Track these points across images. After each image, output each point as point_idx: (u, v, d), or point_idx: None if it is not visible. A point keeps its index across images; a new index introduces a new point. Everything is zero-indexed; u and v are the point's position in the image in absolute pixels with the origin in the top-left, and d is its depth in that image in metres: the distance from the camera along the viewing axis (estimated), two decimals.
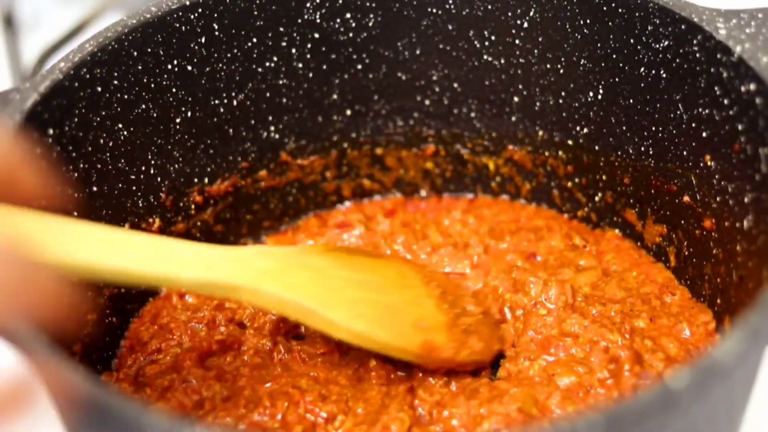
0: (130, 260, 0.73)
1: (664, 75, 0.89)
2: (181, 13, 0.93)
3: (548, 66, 0.99)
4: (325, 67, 1.02)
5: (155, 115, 0.95)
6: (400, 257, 1.00)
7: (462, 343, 0.87)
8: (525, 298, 0.94)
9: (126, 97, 0.91)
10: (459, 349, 0.87)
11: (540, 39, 0.98)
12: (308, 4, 0.99)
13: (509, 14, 0.98)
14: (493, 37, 1.00)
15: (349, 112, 1.06)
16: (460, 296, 0.94)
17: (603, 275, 0.97)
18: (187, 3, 0.93)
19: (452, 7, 0.99)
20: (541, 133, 1.04)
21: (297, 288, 0.82)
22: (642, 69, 0.91)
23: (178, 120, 0.97)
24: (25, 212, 0.68)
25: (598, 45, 0.94)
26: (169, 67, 0.94)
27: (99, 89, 0.88)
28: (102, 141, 0.90)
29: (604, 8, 0.92)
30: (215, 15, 0.95)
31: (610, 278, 0.96)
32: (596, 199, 1.03)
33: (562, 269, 0.97)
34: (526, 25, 0.98)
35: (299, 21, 0.99)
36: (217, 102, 0.99)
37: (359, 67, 1.03)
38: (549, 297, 0.93)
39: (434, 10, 1.00)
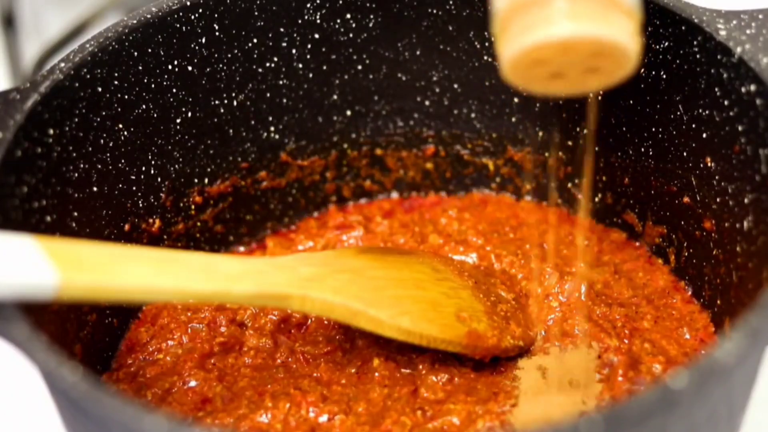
0: (184, 279, 0.75)
1: (665, 76, 0.89)
2: (181, 14, 0.93)
3: None
4: (325, 67, 1.02)
5: (155, 115, 0.95)
6: (429, 252, 1.01)
7: (503, 329, 0.89)
8: (539, 287, 0.95)
9: (126, 97, 0.91)
10: (502, 336, 0.88)
11: None
12: (308, 5, 0.99)
13: None
14: (493, 38, 1.00)
15: (349, 113, 1.06)
16: (492, 284, 0.95)
17: (614, 273, 0.97)
18: (188, 3, 0.93)
19: (452, 7, 0.99)
20: (541, 133, 1.04)
21: (342, 291, 0.83)
22: (642, 70, 0.91)
23: (178, 120, 0.97)
24: (80, 242, 0.72)
25: None
26: (170, 67, 0.94)
27: (99, 89, 0.88)
28: (102, 141, 0.89)
29: None
30: (215, 15, 0.95)
31: (620, 277, 0.96)
32: (596, 199, 1.03)
33: (575, 262, 0.98)
34: None
35: (299, 21, 0.99)
36: (217, 102, 0.99)
37: (359, 67, 1.03)
38: (563, 290, 0.94)
39: (434, 11, 1.00)
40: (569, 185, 1.05)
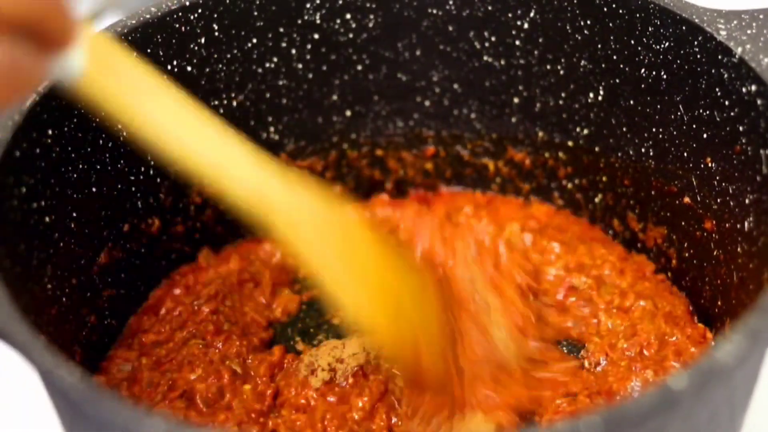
0: (196, 139, 0.71)
1: (665, 76, 0.89)
2: (180, 14, 0.93)
3: (548, 67, 0.99)
4: (325, 67, 1.02)
5: None
6: (437, 275, 0.95)
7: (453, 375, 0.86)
8: (587, 279, 0.97)
9: None
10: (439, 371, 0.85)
11: (540, 40, 0.98)
12: (308, 5, 0.98)
13: (509, 15, 0.98)
14: (493, 38, 1.00)
15: (348, 113, 1.06)
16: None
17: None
18: (187, 3, 0.93)
19: (452, 8, 0.99)
20: (541, 134, 1.03)
21: (328, 246, 0.78)
22: (642, 70, 0.91)
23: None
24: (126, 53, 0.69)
25: (599, 46, 0.94)
26: (169, 67, 0.94)
27: None
28: (101, 141, 0.89)
29: (605, 9, 0.92)
30: (215, 15, 0.95)
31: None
32: (596, 200, 1.03)
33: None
34: (526, 26, 0.97)
35: (299, 22, 0.99)
36: (216, 103, 0.99)
37: (359, 67, 1.03)
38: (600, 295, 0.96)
39: (434, 11, 1.00)
40: (569, 185, 1.05)
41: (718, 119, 0.84)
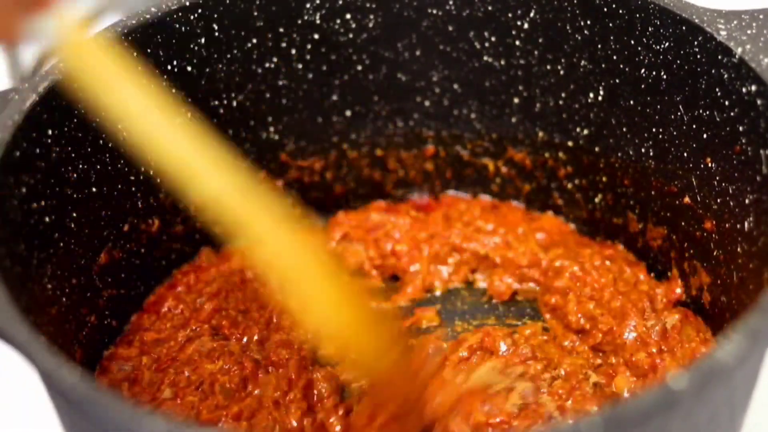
0: (164, 133, 0.71)
1: (665, 76, 0.89)
2: (180, 14, 0.93)
3: (548, 67, 0.99)
4: (324, 68, 1.02)
5: None
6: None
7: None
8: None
9: None
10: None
11: (540, 40, 0.98)
12: (308, 5, 0.98)
13: (509, 15, 0.98)
14: (493, 38, 1.00)
15: (348, 113, 1.05)
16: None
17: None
18: (187, 4, 0.93)
19: (452, 8, 0.99)
20: (541, 134, 1.03)
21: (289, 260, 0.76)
22: (642, 70, 0.91)
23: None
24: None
25: (599, 46, 0.94)
26: (169, 67, 0.94)
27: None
28: (101, 141, 0.89)
29: (605, 9, 0.92)
30: (215, 16, 0.95)
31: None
32: (596, 200, 1.03)
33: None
34: (526, 26, 0.97)
35: (299, 22, 0.99)
36: (216, 103, 0.99)
37: (359, 68, 1.03)
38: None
39: (434, 11, 1.00)
40: (569, 185, 1.05)
41: (718, 119, 0.84)
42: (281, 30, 0.99)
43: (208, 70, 0.97)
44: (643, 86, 0.92)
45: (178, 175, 0.72)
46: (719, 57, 0.82)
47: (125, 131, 0.70)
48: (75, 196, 0.87)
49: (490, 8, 0.98)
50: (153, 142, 0.71)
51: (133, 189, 0.95)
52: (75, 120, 0.86)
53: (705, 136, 0.87)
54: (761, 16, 0.83)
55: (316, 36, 1.00)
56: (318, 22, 0.99)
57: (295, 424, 0.86)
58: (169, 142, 0.71)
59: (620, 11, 0.91)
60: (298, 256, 0.76)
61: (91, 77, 0.69)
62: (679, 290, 0.95)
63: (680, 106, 0.89)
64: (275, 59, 1.00)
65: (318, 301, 0.78)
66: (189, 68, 0.95)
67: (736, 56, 0.80)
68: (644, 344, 0.89)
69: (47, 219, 0.82)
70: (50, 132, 0.83)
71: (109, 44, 0.71)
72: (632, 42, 0.91)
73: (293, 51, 1.00)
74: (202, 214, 0.75)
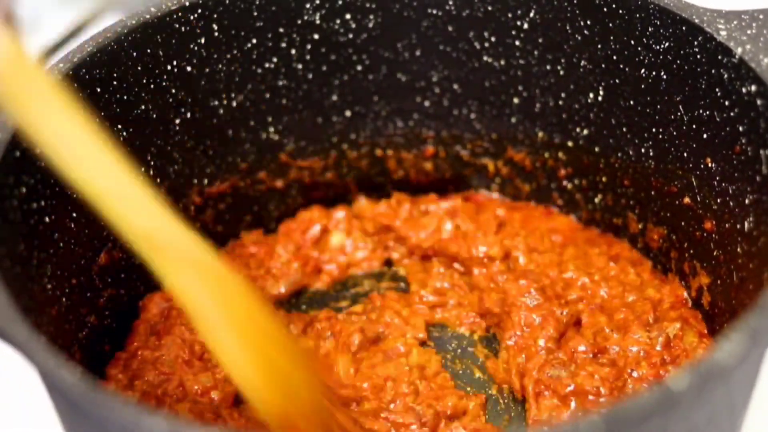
0: (92, 166, 0.69)
1: (665, 76, 0.89)
2: (180, 14, 0.93)
3: (548, 67, 0.99)
4: (324, 68, 1.02)
5: (154, 116, 0.95)
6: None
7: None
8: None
9: (125, 97, 0.91)
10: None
11: (540, 40, 0.98)
12: (308, 5, 0.98)
13: (509, 15, 0.98)
14: (493, 38, 1.00)
15: (348, 114, 1.05)
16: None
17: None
18: (187, 4, 0.93)
19: (452, 8, 0.99)
20: (541, 134, 1.03)
21: (209, 297, 0.75)
22: (642, 70, 0.91)
23: (177, 121, 0.97)
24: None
25: (599, 46, 0.94)
26: (169, 67, 0.94)
27: (98, 90, 0.88)
28: None
29: (605, 9, 0.92)
30: (215, 16, 0.95)
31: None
32: (596, 200, 1.03)
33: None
34: (526, 26, 0.97)
35: (299, 22, 0.99)
36: (216, 103, 0.99)
37: (359, 68, 1.03)
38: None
39: (434, 11, 1.00)
40: (569, 185, 1.05)
41: (718, 119, 0.84)
42: (281, 30, 0.99)
43: (207, 70, 0.97)
44: (643, 86, 0.92)
45: (104, 209, 0.70)
46: (719, 57, 0.82)
47: (55, 159, 0.68)
48: (74, 196, 0.87)
49: (489, 8, 0.98)
50: (79, 173, 0.69)
51: None
52: None
53: (705, 136, 0.87)
54: (761, 16, 0.83)
55: (316, 36, 1.00)
56: (318, 22, 0.99)
57: None
58: (94, 174, 0.69)
59: (620, 11, 0.91)
60: (218, 292, 0.74)
61: (21, 102, 0.67)
62: (685, 294, 0.95)
63: (680, 106, 0.89)
64: (275, 59, 1.00)
65: (231, 348, 0.75)
66: (189, 68, 0.95)
67: (736, 56, 0.80)
68: (648, 356, 0.89)
69: (47, 219, 0.82)
70: None
71: (46, 74, 0.70)
72: (632, 42, 0.91)
73: (293, 51, 1.00)
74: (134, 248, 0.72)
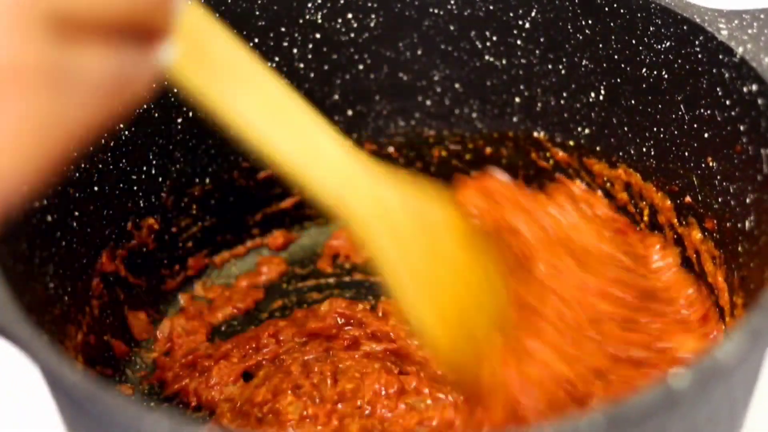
0: (282, 136, 0.65)
1: (666, 76, 0.89)
2: None
3: (550, 66, 0.99)
4: (326, 67, 1.02)
5: (156, 115, 0.95)
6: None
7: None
8: None
9: None
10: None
11: (541, 39, 0.98)
12: (309, 5, 0.98)
13: (511, 15, 0.98)
14: (494, 38, 1.00)
15: (350, 113, 1.06)
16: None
17: None
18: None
19: (454, 7, 0.99)
20: (542, 133, 1.04)
21: (404, 252, 0.71)
22: (643, 70, 0.91)
23: (179, 120, 0.97)
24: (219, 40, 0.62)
25: (600, 46, 0.94)
26: None
27: None
28: (102, 140, 0.89)
29: (606, 9, 0.92)
30: (216, 15, 0.95)
31: None
32: None
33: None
34: (527, 25, 0.98)
35: (300, 21, 0.99)
36: None
37: (360, 67, 1.03)
38: None
39: (436, 11, 1.00)
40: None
41: (719, 119, 0.84)
42: (282, 29, 0.99)
43: None
44: (644, 86, 0.92)
45: (294, 165, 0.65)
46: (720, 56, 0.82)
47: (232, 122, 0.63)
48: (76, 195, 0.87)
49: (491, 8, 0.98)
50: (271, 136, 0.64)
51: (134, 188, 0.95)
52: None
53: (706, 135, 0.87)
54: (762, 16, 0.83)
55: (318, 35, 1.00)
56: (319, 21, 0.99)
57: None
58: (289, 131, 0.65)
59: (621, 11, 0.91)
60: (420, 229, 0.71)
61: (205, 66, 0.62)
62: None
63: (681, 106, 0.89)
64: (276, 59, 1.00)
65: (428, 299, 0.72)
66: None
67: (737, 56, 0.80)
68: None
69: (49, 218, 0.82)
70: None
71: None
72: (633, 41, 0.91)
73: (294, 50, 1.00)
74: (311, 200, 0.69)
